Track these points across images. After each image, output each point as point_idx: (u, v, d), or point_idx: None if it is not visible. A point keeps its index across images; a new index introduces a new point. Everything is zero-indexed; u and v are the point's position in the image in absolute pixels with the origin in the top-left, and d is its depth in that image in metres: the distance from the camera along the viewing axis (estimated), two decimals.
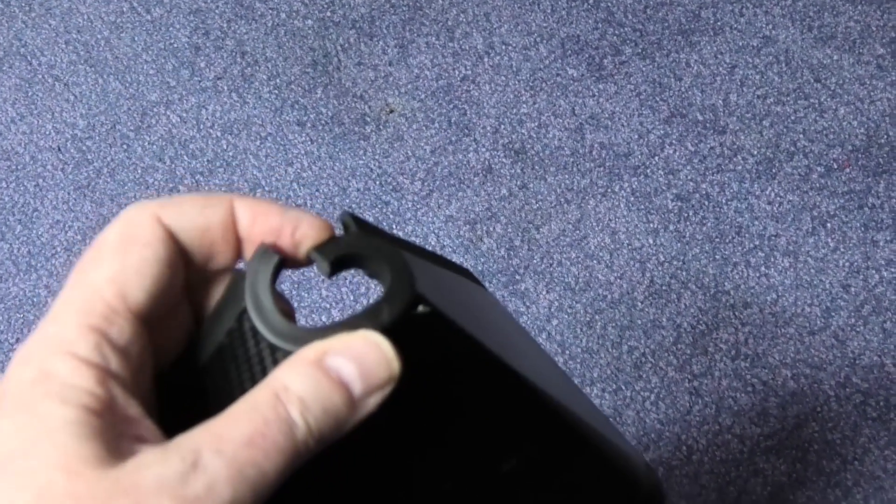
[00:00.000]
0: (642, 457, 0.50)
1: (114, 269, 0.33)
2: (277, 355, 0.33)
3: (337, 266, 0.35)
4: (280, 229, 0.35)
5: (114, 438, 0.30)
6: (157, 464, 0.29)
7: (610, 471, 0.46)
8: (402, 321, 0.33)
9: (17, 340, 1.38)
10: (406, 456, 0.38)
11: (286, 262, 0.35)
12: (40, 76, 1.62)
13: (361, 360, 0.32)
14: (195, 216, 0.35)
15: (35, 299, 1.41)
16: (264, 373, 0.33)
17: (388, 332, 0.33)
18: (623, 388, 1.33)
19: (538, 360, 0.46)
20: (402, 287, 0.34)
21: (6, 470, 0.29)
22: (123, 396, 0.31)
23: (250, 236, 0.36)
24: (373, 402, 0.33)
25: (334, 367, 0.32)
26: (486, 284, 1.35)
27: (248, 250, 0.36)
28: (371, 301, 0.34)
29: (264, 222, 0.35)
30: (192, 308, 0.37)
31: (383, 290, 0.34)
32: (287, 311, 0.37)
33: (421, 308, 0.34)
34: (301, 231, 0.36)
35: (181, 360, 0.36)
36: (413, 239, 1.43)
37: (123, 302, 0.33)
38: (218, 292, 0.37)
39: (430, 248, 1.41)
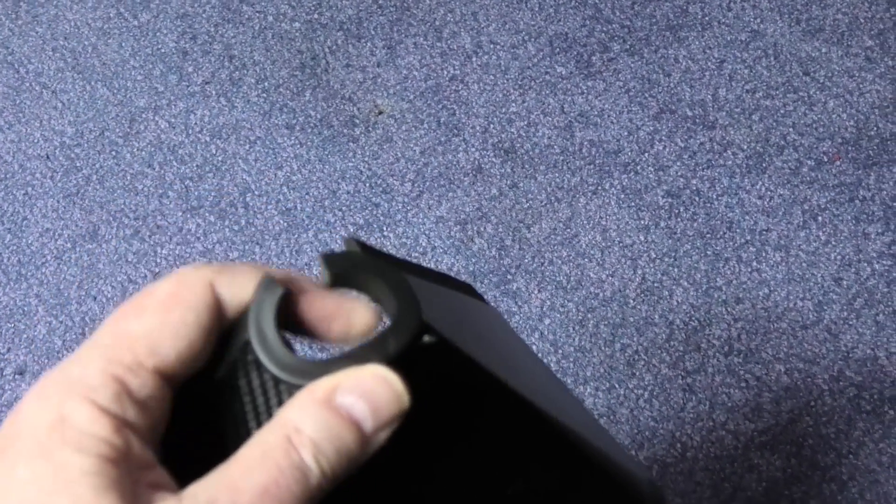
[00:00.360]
0: (646, 472, 0.50)
1: (151, 325, 0.33)
2: (281, 387, 0.33)
3: (339, 280, 0.35)
4: (332, 317, 0.35)
5: (131, 488, 0.30)
6: None
7: (614, 490, 0.46)
8: (409, 352, 0.33)
9: (8, 350, 1.38)
10: (412, 483, 0.38)
11: (292, 298, 0.35)
12: (28, 84, 1.61)
13: (371, 397, 0.32)
14: (248, 290, 0.34)
15: (25, 308, 1.41)
16: (268, 405, 0.33)
17: (395, 362, 0.33)
18: (616, 386, 1.33)
19: (540, 377, 0.46)
20: (408, 316, 0.33)
21: None
22: (139, 445, 0.31)
23: (306, 319, 0.35)
24: (383, 436, 0.33)
25: (345, 406, 0.32)
26: (478, 285, 1.35)
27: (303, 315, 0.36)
28: (379, 330, 0.34)
29: (318, 310, 0.35)
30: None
31: (390, 320, 0.34)
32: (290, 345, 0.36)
33: (427, 338, 0.34)
34: (354, 320, 0.35)
35: (188, 388, 0.36)
36: (404, 241, 1.43)
37: (152, 358, 0.32)
38: None
39: (421, 249, 1.41)
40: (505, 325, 0.49)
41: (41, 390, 0.31)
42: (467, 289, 0.45)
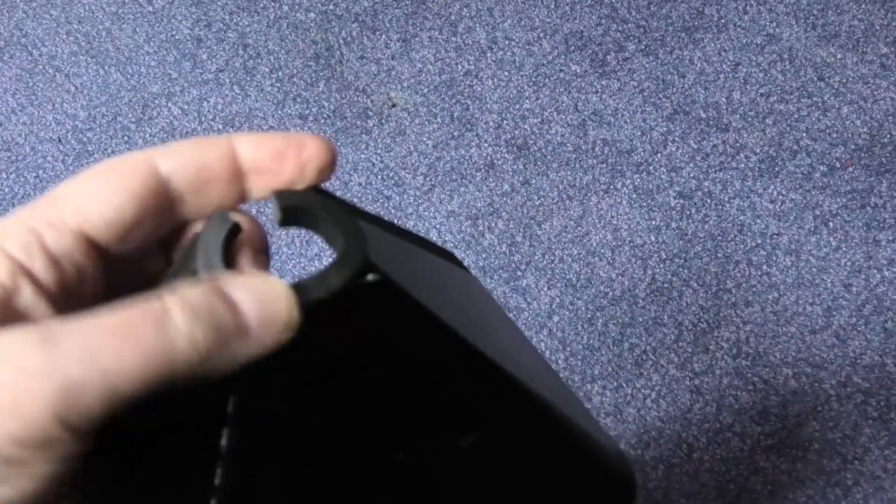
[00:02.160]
0: (615, 444, 0.50)
1: (81, 188, 0.33)
2: None
3: (290, 216, 0.35)
4: (284, 152, 0.35)
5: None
6: (7, 334, 0.28)
7: (576, 453, 0.46)
8: (351, 288, 0.33)
9: None
10: (356, 425, 0.38)
11: (240, 229, 0.35)
12: (41, 67, 1.61)
13: (258, 292, 0.31)
14: (191, 155, 0.34)
15: None
16: None
17: (338, 298, 0.33)
18: (624, 385, 1.33)
19: (512, 343, 0.46)
20: (352, 253, 0.33)
21: None
22: (32, 297, 0.31)
23: (254, 166, 0.35)
24: (268, 339, 0.31)
25: (231, 293, 0.31)
26: (487, 281, 1.35)
27: (255, 183, 0.35)
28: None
29: (268, 146, 0.35)
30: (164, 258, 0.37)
31: (335, 256, 0.34)
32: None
33: (371, 277, 0.33)
34: (307, 152, 0.35)
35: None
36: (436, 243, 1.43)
37: (75, 217, 0.32)
38: None
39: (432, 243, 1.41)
40: (482, 292, 0.49)
41: None
42: (448, 256, 0.46)
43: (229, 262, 0.34)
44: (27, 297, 0.31)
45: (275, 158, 0.35)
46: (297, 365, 0.33)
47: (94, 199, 0.33)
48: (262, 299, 0.31)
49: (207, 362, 0.30)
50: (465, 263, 1.38)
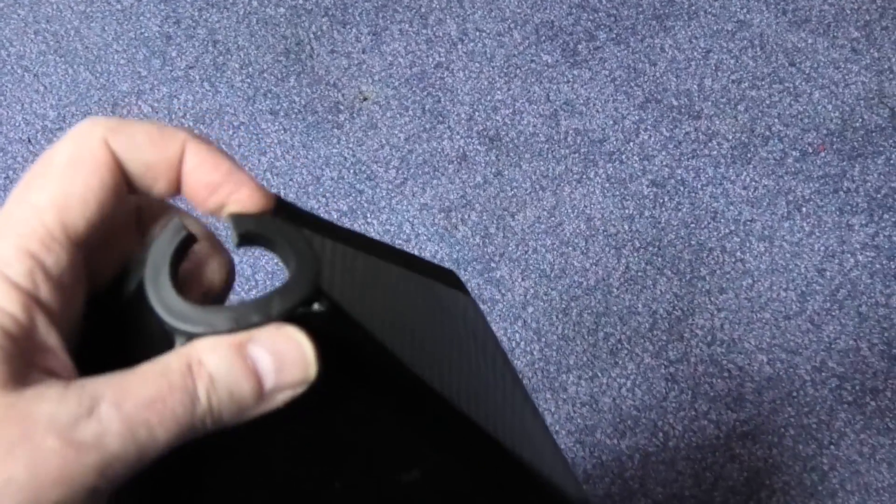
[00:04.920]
0: (580, 490, 0.49)
1: (58, 193, 0.32)
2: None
3: (245, 240, 0.35)
4: (218, 187, 0.35)
5: (23, 366, 0.30)
6: (54, 400, 0.29)
7: (528, 497, 0.45)
8: (294, 316, 0.33)
9: None
10: (296, 448, 0.37)
11: (192, 240, 0.35)
12: (9, 67, 1.60)
13: (280, 357, 0.32)
14: (145, 149, 0.34)
15: None
16: (167, 333, 0.33)
17: (286, 320, 0.33)
18: (599, 374, 1.32)
19: (484, 375, 0.45)
20: (300, 280, 0.33)
21: None
22: (45, 327, 0.31)
23: (190, 181, 0.35)
24: (281, 398, 0.33)
25: (252, 356, 0.32)
26: (462, 272, 1.34)
27: (188, 190, 0.35)
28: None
29: (207, 174, 0.35)
30: (139, 234, 0.37)
31: (283, 282, 0.34)
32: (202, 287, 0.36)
33: (317, 306, 0.33)
34: (237, 196, 0.35)
35: (109, 290, 0.35)
36: (388, 227, 1.42)
37: (63, 229, 0.32)
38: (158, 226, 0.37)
39: (405, 237, 1.40)
40: (466, 315, 0.48)
41: None
42: (444, 274, 0.45)
43: (177, 272, 0.34)
44: (42, 329, 0.31)
45: (207, 188, 0.35)
46: None
47: (75, 206, 0.32)
48: (284, 363, 0.32)
49: (221, 424, 0.32)
50: (439, 256, 1.38)
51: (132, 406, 0.30)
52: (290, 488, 0.38)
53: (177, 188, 0.35)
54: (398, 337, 0.36)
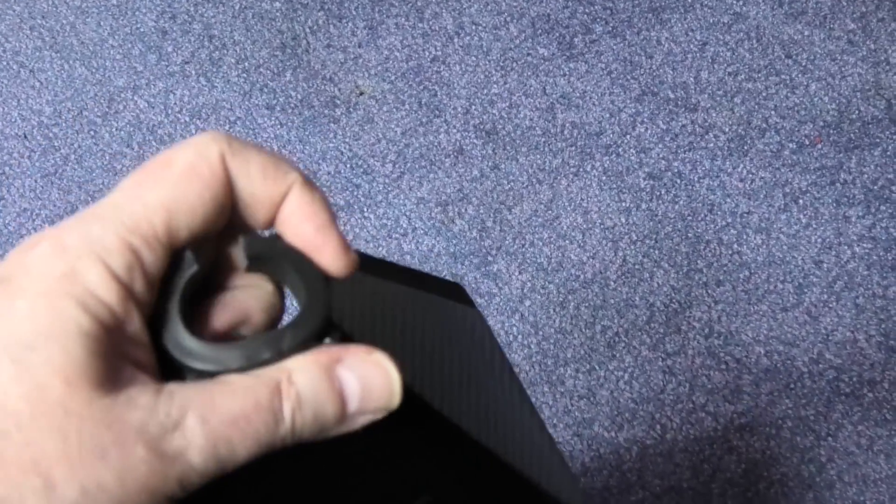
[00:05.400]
0: (582, 495, 0.49)
1: (170, 197, 0.32)
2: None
3: (256, 264, 0.34)
4: (307, 239, 0.35)
5: (116, 361, 0.30)
6: (146, 409, 0.29)
7: None
8: (305, 349, 0.33)
9: None
10: (306, 476, 0.38)
11: (202, 274, 0.34)
12: (5, 63, 1.60)
13: (367, 382, 0.33)
14: (256, 181, 0.34)
15: None
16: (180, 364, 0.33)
17: (298, 355, 0.33)
18: (597, 367, 1.32)
19: (492, 394, 0.45)
20: (311, 315, 0.33)
21: (7, 349, 0.29)
22: (138, 321, 0.31)
23: (283, 222, 0.35)
24: (360, 421, 0.33)
25: (341, 379, 0.32)
26: (458, 266, 1.34)
27: (280, 228, 0.35)
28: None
29: (300, 224, 0.35)
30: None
31: (295, 315, 0.34)
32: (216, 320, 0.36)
33: (328, 340, 0.33)
34: (319, 256, 0.35)
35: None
36: (384, 222, 1.42)
37: (167, 233, 0.32)
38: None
39: (402, 231, 1.41)
40: (474, 330, 0.48)
41: (58, 238, 0.31)
42: (451, 289, 0.45)
43: (189, 306, 0.34)
44: (134, 325, 0.31)
45: (298, 236, 0.35)
46: None
47: (184, 210, 0.32)
48: (370, 390, 0.33)
49: (297, 441, 0.32)
50: (436, 250, 1.38)
51: (217, 422, 0.30)
52: None
53: (271, 224, 0.35)
54: (409, 365, 0.36)
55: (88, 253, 0.31)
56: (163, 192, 0.32)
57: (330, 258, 0.35)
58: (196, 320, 0.34)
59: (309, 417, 0.32)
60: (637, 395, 1.31)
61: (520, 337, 1.34)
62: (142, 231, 0.32)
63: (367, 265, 0.37)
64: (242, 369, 0.32)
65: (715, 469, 1.27)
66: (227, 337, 0.35)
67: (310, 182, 0.35)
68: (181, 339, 0.32)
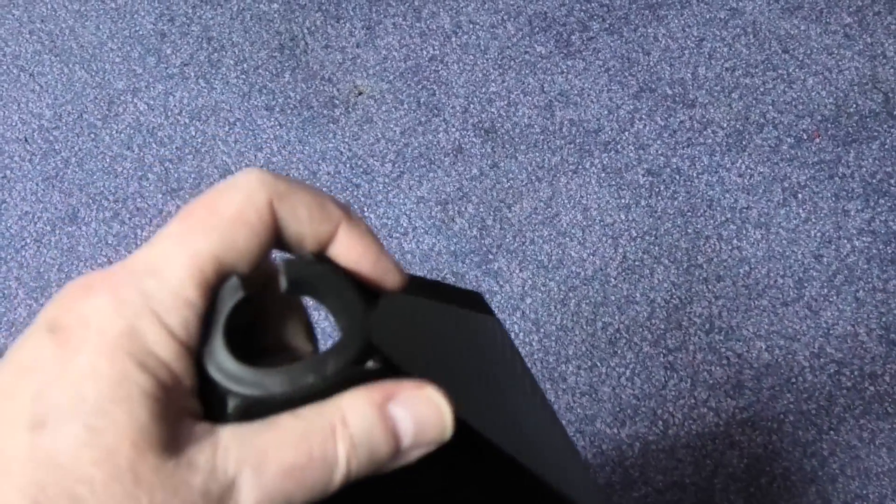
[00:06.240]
0: (606, 499, 0.49)
1: (221, 246, 0.32)
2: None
3: (296, 287, 0.35)
4: (370, 272, 0.35)
5: (176, 420, 0.30)
6: (206, 471, 0.30)
7: None
8: (348, 374, 0.33)
9: None
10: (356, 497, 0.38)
11: (252, 298, 0.34)
12: (5, 67, 1.60)
13: (420, 418, 0.33)
14: (304, 223, 0.34)
15: (5, 291, 1.40)
16: (222, 392, 0.33)
17: (337, 383, 0.33)
18: (598, 364, 1.33)
19: (514, 404, 0.46)
20: (352, 339, 0.33)
21: (77, 413, 0.29)
22: (189, 372, 0.31)
23: (339, 257, 0.35)
24: (414, 455, 0.33)
25: (394, 417, 0.32)
26: (459, 265, 1.35)
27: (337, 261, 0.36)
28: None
29: (356, 259, 0.35)
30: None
31: (337, 339, 0.34)
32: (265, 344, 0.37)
33: (371, 364, 0.33)
34: (386, 283, 0.36)
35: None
36: (385, 221, 1.43)
37: (218, 281, 0.33)
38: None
39: (402, 230, 1.41)
40: (494, 339, 0.48)
41: (114, 291, 0.31)
42: (472, 298, 0.45)
43: (235, 332, 0.34)
44: (187, 376, 0.31)
45: (358, 269, 0.35)
46: None
47: (234, 258, 0.33)
48: (423, 426, 0.33)
49: (352, 480, 0.33)
50: (437, 249, 1.38)
51: (272, 475, 0.30)
52: None
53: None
54: (449, 386, 0.37)
55: (146, 310, 0.31)
56: (213, 240, 0.32)
57: (392, 283, 0.35)
58: (238, 345, 0.34)
59: (364, 458, 0.32)
60: (639, 392, 1.31)
61: (521, 334, 1.34)
62: (195, 282, 0.32)
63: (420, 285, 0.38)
64: (286, 395, 0.32)
65: (717, 464, 1.27)
66: (269, 360, 0.35)
67: (355, 216, 0.35)
68: (225, 365, 0.32)
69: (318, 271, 0.35)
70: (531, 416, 0.47)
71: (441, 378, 0.36)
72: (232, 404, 0.32)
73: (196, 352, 0.32)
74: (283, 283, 0.34)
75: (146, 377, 0.29)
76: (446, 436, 0.33)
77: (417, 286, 0.39)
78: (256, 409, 0.32)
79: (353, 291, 0.34)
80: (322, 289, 0.35)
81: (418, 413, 0.33)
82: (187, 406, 0.31)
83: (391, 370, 0.34)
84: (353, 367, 0.33)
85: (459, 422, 0.37)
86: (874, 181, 1.44)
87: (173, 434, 0.30)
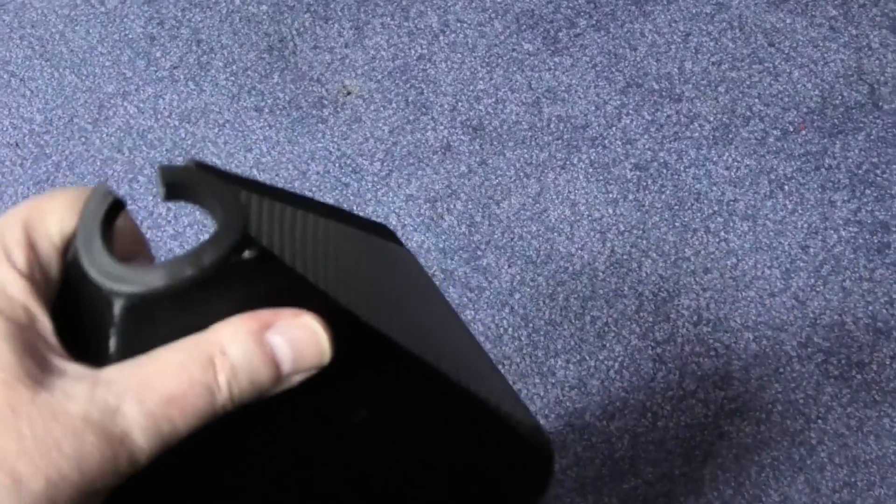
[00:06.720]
0: (531, 419, 0.50)
1: (62, 204, 0.34)
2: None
3: (173, 192, 0.35)
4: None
5: (42, 357, 0.31)
6: (84, 399, 0.30)
7: (483, 427, 0.46)
8: (226, 264, 0.33)
9: None
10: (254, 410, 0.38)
11: (121, 205, 0.36)
12: None
13: (297, 344, 0.34)
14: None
15: None
16: (106, 297, 0.33)
17: (217, 275, 0.33)
18: (587, 358, 1.34)
19: (427, 318, 0.46)
20: (229, 229, 0.34)
21: None
22: (42, 311, 0.33)
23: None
24: (296, 380, 0.35)
25: (272, 344, 0.33)
26: (448, 261, 1.35)
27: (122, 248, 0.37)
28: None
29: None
30: None
31: (213, 232, 0.34)
32: (135, 251, 0.38)
33: (247, 253, 0.34)
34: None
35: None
36: (374, 219, 1.43)
37: (58, 234, 0.34)
38: None
39: (392, 228, 1.41)
40: (406, 265, 0.48)
41: None
42: (376, 229, 0.45)
43: (109, 236, 0.34)
44: (41, 315, 0.33)
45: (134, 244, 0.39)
46: (175, 338, 0.34)
47: (75, 219, 0.34)
48: (301, 351, 0.34)
49: (237, 406, 0.34)
50: (426, 246, 1.39)
51: (154, 402, 0.31)
52: (248, 442, 0.39)
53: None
54: (332, 279, 0.37)
55: None
56: (56, 200, 0.34)
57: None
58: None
59: (245, 385, 0.33)
60: (628, 384, 1.32)
61: (510, 329, 1.35)
62: (37, 229, 0.33)
63: (289, 198, 0.38)
64: (168, 289, 0.32)
65: (707, 455, 1.28)
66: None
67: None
68: (108, 267, 0.33)
69: (192, 173, 0.35)
70: (440, 327, 0.48)
71: (324, 273, 0.37)
72: (118, 306, 0.32)
73: (65, 274, 0.33)
74: (161, 189, 0.35)
75: (3, 320, 0.31)
76: (325, 360, 0.34)
77: (318, 207, 0.39)
78: (143, 314, 0.33)
79: (230, 192, 0.35)
80: (200, 191, 0.35)
81: (296, 340, 0.34)
82: (51, 345, 0.32)
83: (271, 261, 0.34)
84: (231, 256, 0.33)
85: (349, 315, 0.37)
86: (860, 172, 1.45)
87: (42, 369, 0.30)
